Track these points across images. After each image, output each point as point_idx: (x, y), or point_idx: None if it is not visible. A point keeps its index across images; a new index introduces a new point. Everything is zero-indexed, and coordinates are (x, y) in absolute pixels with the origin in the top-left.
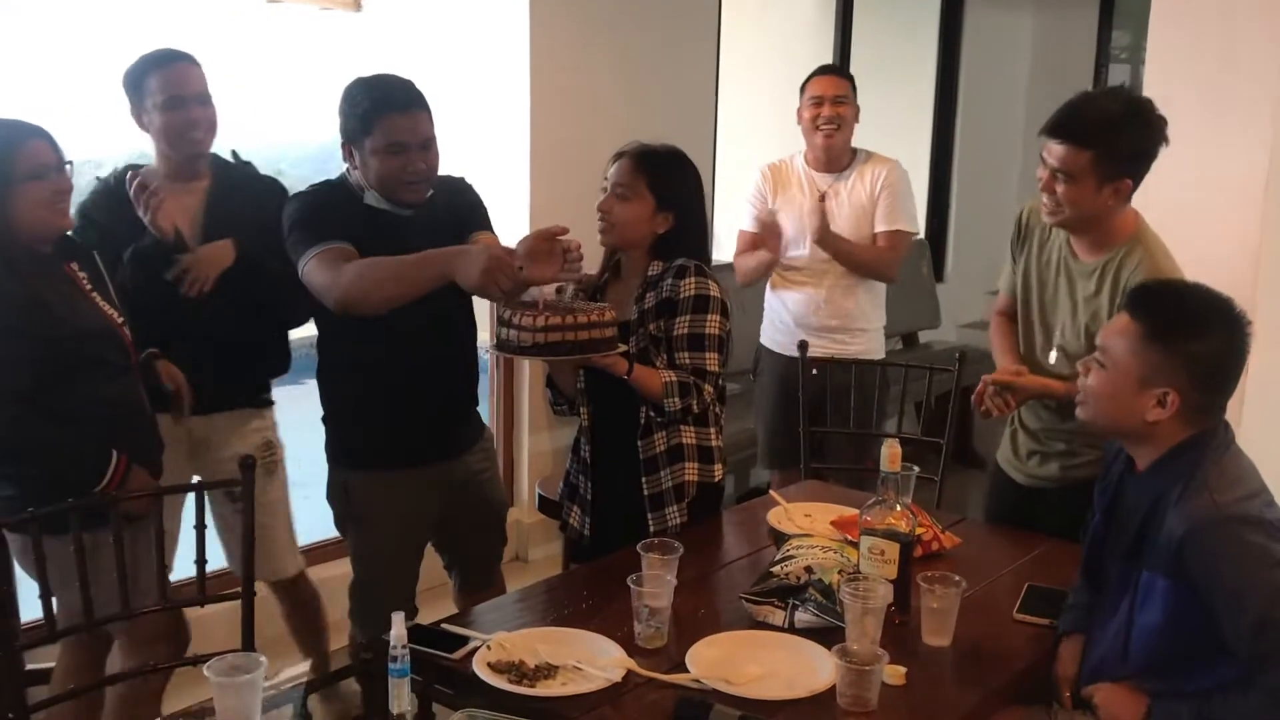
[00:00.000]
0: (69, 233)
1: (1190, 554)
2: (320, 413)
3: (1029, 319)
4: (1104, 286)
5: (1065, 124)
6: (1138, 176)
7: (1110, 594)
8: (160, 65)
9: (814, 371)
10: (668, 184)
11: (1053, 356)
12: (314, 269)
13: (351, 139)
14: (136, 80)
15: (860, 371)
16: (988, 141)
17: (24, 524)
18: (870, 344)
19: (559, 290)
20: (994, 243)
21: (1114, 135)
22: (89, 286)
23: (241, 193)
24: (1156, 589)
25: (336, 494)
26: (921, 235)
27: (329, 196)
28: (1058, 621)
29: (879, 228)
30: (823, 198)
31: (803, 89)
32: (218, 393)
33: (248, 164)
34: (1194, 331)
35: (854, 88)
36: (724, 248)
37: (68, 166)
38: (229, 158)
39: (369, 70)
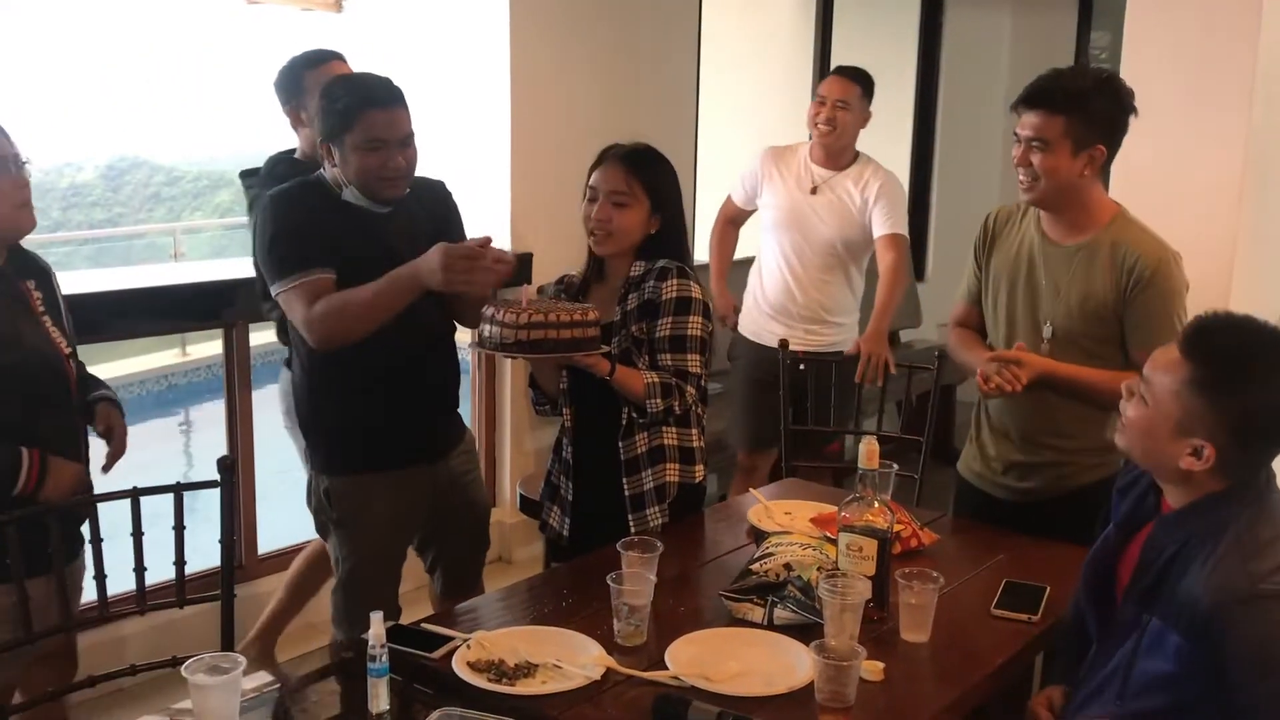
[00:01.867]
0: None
1: (1218, 629)
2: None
3: (1010, 317)
4: (1095, 261)
5: (1036, 93)
6: (1110, 144)
7: (1114, 630)
8: (315, 64)
9: (801, 367)
10: (660, 186)
11: (1044, 348)
12: (294, 300)
13: (330, 136)
14: (292, 77)
15: (840, 366)
16: (968, 141)
17: None
18: (845, 335)
19: (539, 290)
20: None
21: (1084, 101)
22: (41, 309)
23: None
24: (1169, 643)
25: (317, 499)
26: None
27: (308, 199)
28: (1034, 617)
29: (880, 232)
30: (814, 190)
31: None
32: None
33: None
34: (1248, 383)
35: (866, 92)
36: (704, 249)
37: (25, 164)
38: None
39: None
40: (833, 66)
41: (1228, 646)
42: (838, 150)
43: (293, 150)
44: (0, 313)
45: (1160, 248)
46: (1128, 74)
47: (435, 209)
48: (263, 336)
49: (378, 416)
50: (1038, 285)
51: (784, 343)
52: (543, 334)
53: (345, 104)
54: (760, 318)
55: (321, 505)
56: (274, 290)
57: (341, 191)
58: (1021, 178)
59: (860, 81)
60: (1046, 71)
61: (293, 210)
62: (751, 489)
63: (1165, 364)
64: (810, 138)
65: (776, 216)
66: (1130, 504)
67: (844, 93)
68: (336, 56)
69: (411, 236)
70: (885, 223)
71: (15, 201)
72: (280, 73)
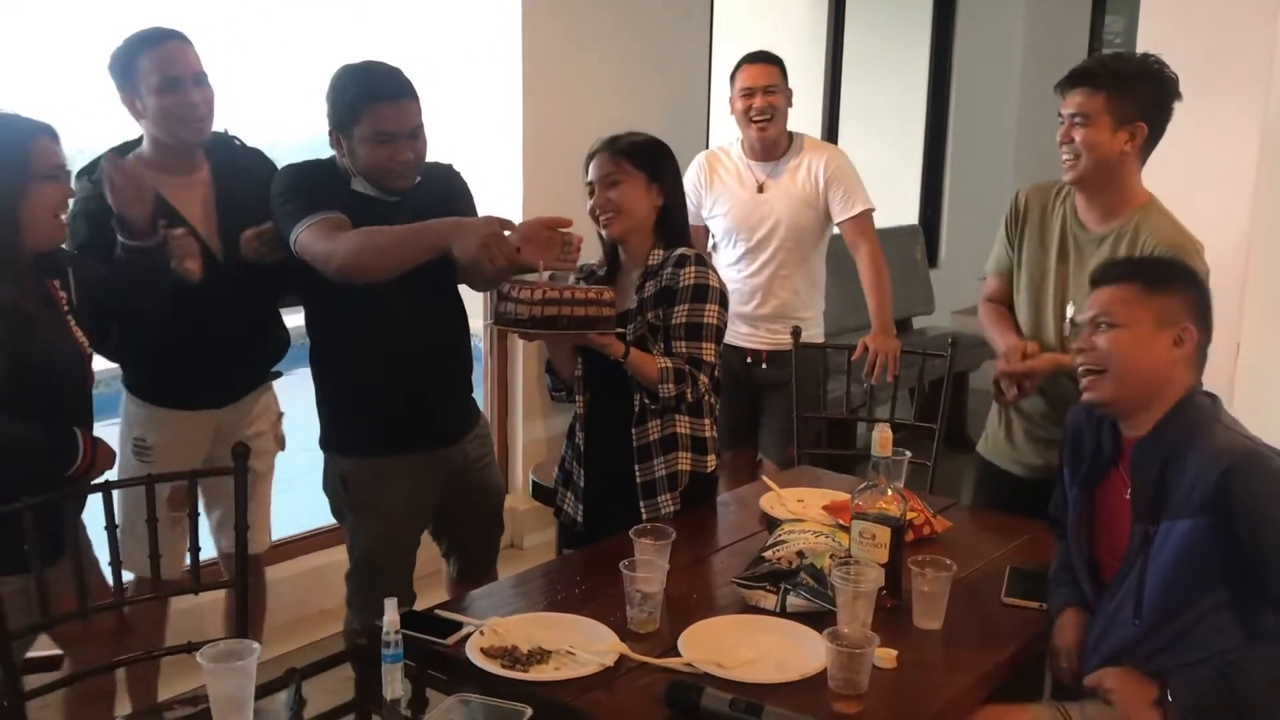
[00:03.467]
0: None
1: (1236, 488)
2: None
3: (1039, 300)
4: (1119, 248)
5: (1080, 71)
6: (1152, 124)
7: (1128, 556)
8: (151, 44)
9: (764, 366)
10: (647, 159)
11: (1068, 329)
12: (310, 238)
13: (339, 127)
14: (126, 62)
15: (806, 357)
16: (981, 126)
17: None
18: (810, 331)
19: (552, 278)
20: (988, 229)
21: (1126, 80)
22: (66, 308)
23: (246, 176)
24: (1173, 534)
25: (333, 483)
26: (915, 221)
27: (320, 174)
28: (1046, 605)
29: (841, 217)
30: (761, 188)
31: (732, 78)
32: (236, 383)
33: (235, 139)
34: (1177, 279)
35: (784, 72)
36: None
37: (70, 173)
38: (220, 136)
39: (360, 58)
40: (742, 55)
41: (1251, 505)
42: (774, 140)
43: (137, 140)
44: (31, 312)
45: (1178, 235)
46: None
47: (444, 193)
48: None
49: (395, 400)
50: (1067, 268)
51: (796, 331)
52: (556, 310)
53: (353, 96)
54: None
55: (337, 489)
56: (293, 235)
57: (351, 180)
58: (1065, 156)
59: (779, 63)
60: (1091, 55)
61: (307, 174)
62: (764, 477)
63: (1110, 296)
64: (741, 135)
65: (729, 224)
66: (1086, 463)
67: (769, 77)
68: (177, 36)
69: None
70: (845, 205)
71: (56, 211)
72: (114, 55)
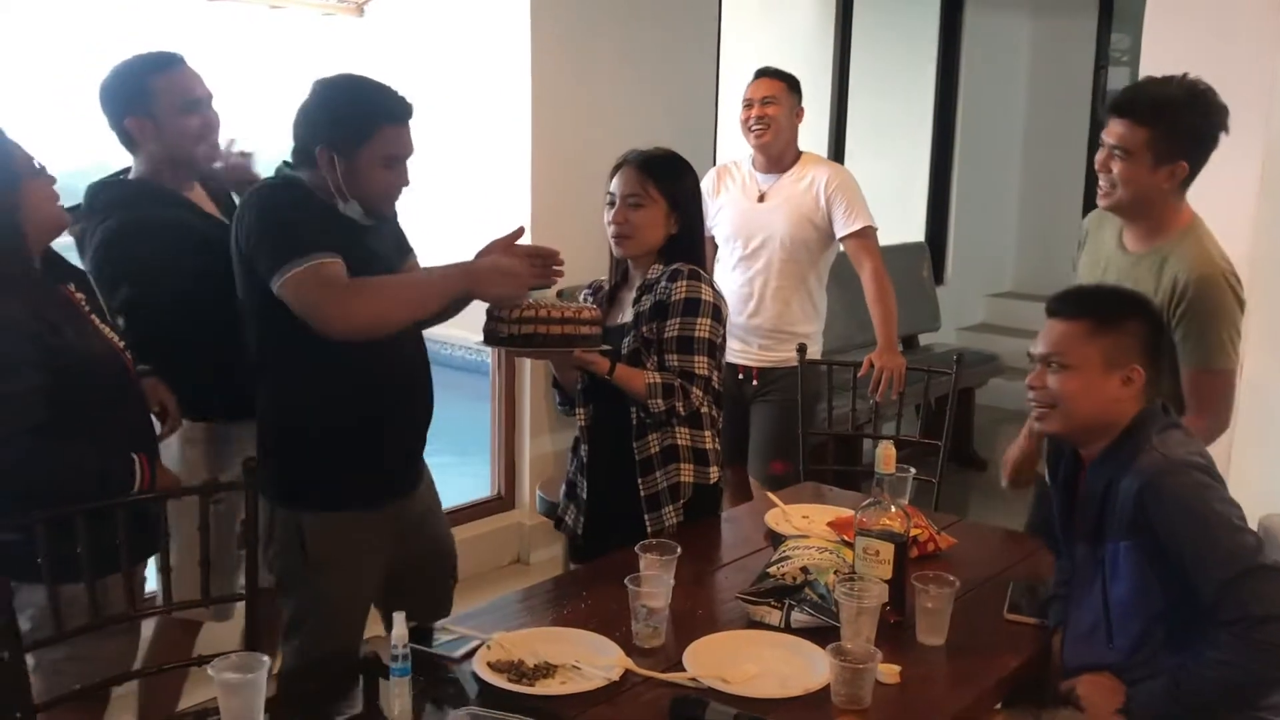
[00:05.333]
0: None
1: (1149, 502)
2: None
3: None
4: (1153, 273)
5: (1125, 102)
6: (1194, 161)
7: (1081, 579)
8: (164, 68)
9: (754, 382)
10: (675, 186)
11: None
12: (311, 281)
13: (340, 145)
14: (135, 86)
15: (802, 373)
16: (988, 144)
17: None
18: (810, 348)
19: (559, 294)
20: (994, 246)
21: (1172, 115)
22: (88, 309)
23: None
24: (1120, 555)
25: (287, 540)
26: (921, 238)
27: (306, 202)
28: (1046, 621)
29: (844, 232)
30: (761, 198)
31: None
32: (240, 399)
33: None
34: (1128, 315)
35: (791, 88)
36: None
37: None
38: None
39: (372, 75)
40: (758, 69)
41: (1164, 516)
42: (778, 152)
43: (122, 171)
44: (53, 317)
45: (1205, 265)
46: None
47: (395, 221)
48: None
49: (372, 446)
50: None
51: (802, 347)
52: (533, 329)
53: (367, 114)
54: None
55: (292, 547)
56: (282, 273)
57: (337, 202)
58: (1101, 184)
59: (784, 79)
60: (1141, 79)
61: (293, 201)
62: (769, 494)
63: (1061, 333)
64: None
65: (728, 231)
66: (1064, 467)
67: (769, 90)
68: (183, 60)
69: (396, 248)
70: (847, 220)
71: (53, 200)
72: (115, 77)
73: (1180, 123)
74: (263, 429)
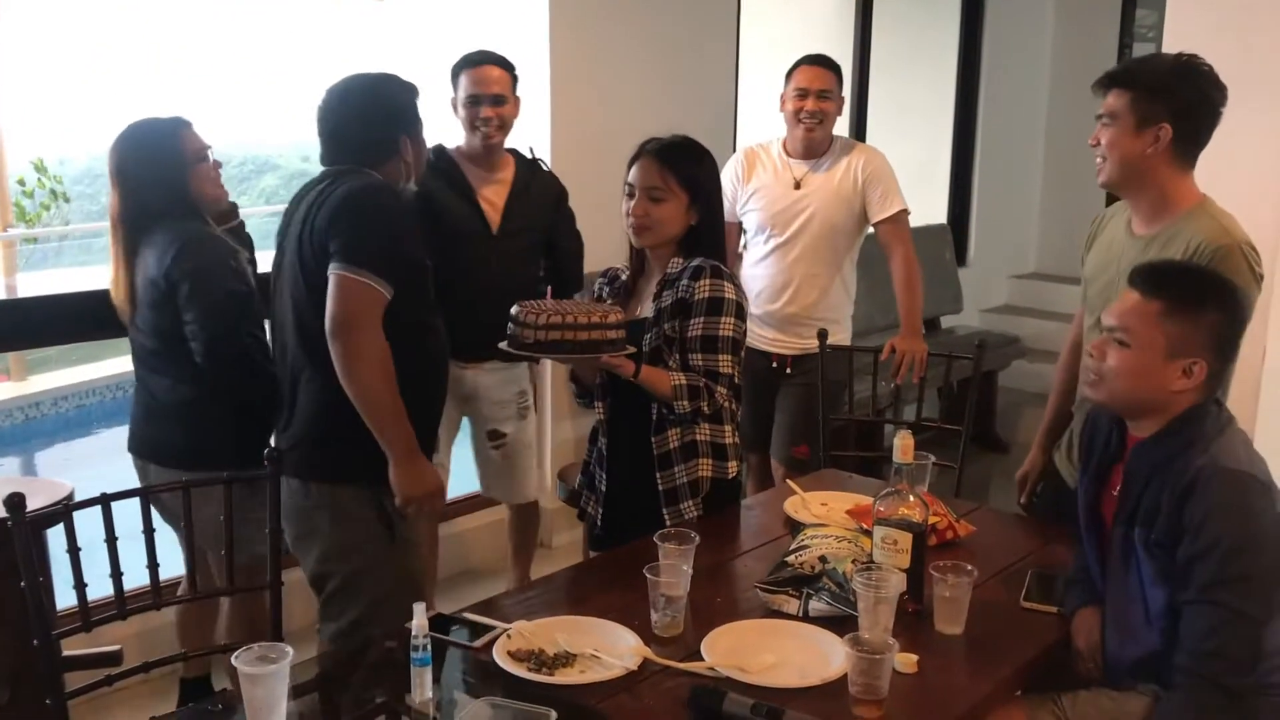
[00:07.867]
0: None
1: (1193, 503)
2: None
3: (1094, 312)
4: (1165, 252)
5: (1110, 74)
6: (1181, 128)
7: (1115, 563)
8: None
9: (788, 371)
10: (695, 177)
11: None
12: (364, 299)
13: (416, 128)
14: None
15: (831, 359)
16: (1011, 123)
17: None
18: (836, 336)
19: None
20: (1016, 228)
21: (1152, 76)
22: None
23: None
24: (1152, 543)
25: (368, 515)
26: (944, 220)
27: (403, 212)
28: (1064, 609)
29: (879, 216)
30: (798, 185)
31: (788, 76)
32: (488, 342)
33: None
34: (1208, 303)
35: (840, 80)
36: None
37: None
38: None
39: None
40: (803, 56)
41: (1198, 517)
42: (819, 140)
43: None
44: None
45: (1224, 234)
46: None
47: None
48: None
49: (431, 424)
50: (1119, 281)
51: (823, 333)
52: (560, 335)
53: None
54: (750, 319)
55: (371, 522)
56: (357, 267)
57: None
58: (1096, 159)
59: (836, 70)
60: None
61: (402, 220)
62: (790, 481)
63: (1132, 307)
64: (786, 134)
65: (762, 219)
66: (1096, 457)
67: (826, 83)
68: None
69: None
70: (883, 204)
71: (216, 182)
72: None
73: (1160, 84)
74: (318, 415)
